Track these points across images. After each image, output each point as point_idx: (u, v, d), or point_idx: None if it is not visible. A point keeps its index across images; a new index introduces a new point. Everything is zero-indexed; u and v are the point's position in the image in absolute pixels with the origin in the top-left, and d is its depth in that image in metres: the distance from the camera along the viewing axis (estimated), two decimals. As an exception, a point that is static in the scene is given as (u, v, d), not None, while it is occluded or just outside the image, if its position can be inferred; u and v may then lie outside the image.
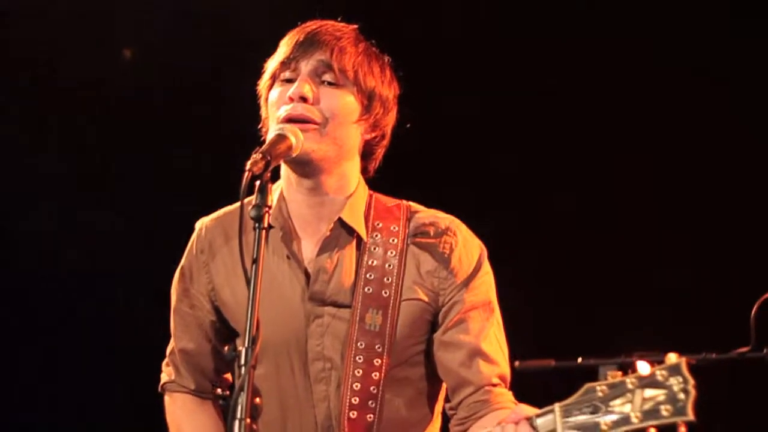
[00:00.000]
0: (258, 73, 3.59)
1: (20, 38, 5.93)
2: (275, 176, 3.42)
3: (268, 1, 5.55)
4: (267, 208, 3.04)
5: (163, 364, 3.80)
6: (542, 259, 5.69)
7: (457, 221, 3.59)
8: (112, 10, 5.88)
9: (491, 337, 3.49)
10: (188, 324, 3.68)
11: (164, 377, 3.78)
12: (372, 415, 3.40)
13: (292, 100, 3.41)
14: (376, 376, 3.41)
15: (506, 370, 3.51)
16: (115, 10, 5.88)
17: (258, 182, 3.05)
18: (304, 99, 3.40)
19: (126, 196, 6.03)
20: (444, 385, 3.60)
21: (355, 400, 3.40)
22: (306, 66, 3.44)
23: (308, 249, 3.52)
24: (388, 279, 3.47)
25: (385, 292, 3.45)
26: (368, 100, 3.49)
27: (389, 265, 3.48)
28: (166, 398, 3.78)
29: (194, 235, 3.69)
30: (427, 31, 5.70)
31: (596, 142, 5.67)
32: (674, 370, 2.70)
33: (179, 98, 5.88)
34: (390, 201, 3.62)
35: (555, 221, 5.71)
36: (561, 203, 5.70)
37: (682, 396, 2.68)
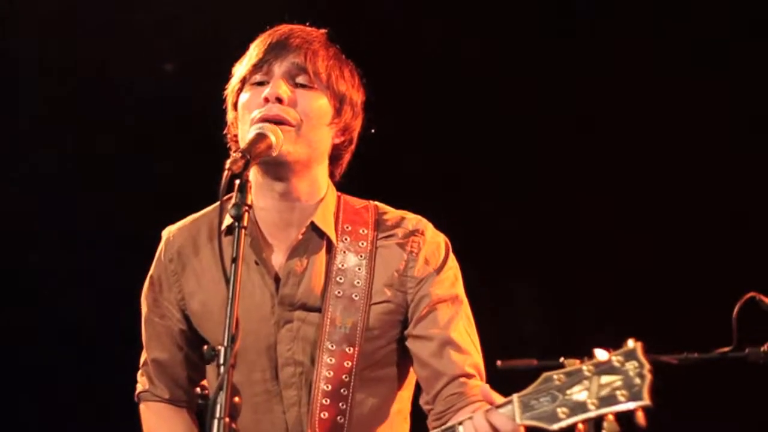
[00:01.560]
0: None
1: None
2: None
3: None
4: (247, 207, 3.02)
5: (138, 374, 3.80)
6: (527, 259, 5.68)
7: (424, 221, 3.60)
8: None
9: (460, 328, 3.49)
10: (159, 334, 3.68)
11: (139, 387, 3.79)
12: (342, 417, 3.41)
13: (267, 101, 3.39)
14: (346, 378, 3.42)
15: (479, 360, 3.50)
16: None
17: (237, 181, 3.04)
18: (279, 100, 3.39)
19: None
20: (411, 387, 3.63)
21: (326, 401, 3.41)
22: (279, 68, 3.44)
23: (278, 255, 3.52)
24: (357, 282, 3.48)
25: (355, 295, 3.46)
26: (339, 103, 3.49)
27: (358, 268, 3.49)
28: (142, 407, 3.78)
29: (162, 244, 3.69)
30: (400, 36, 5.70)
31: (577, 145, 5.67)
32: (630, 355, 2.69)
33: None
34: (358, 203, 3.63)
35: (540, 222, 5.70)
36: (550, 205, 5.69)
37: (638, 381, 2.66)
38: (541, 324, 5.47)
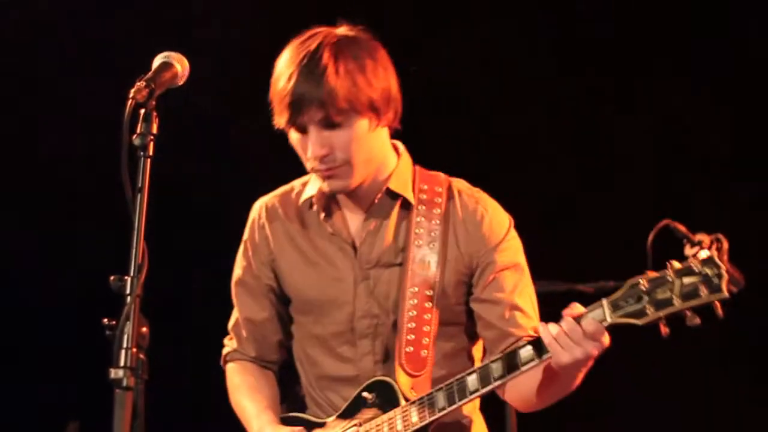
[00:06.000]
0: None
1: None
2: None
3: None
4: (151, 137, 3.10)
5: (225, 339, 4.10)
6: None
7: (486, 195, 3.89)
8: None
9: (525, 294, 3.78)
10: (253, 293, 3.99)
11: (226, 350, 4.08)
12: (426, 351, 3.72)
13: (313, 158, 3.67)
14: (428, 316, 3.74)
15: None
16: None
17: (143, 110, 3.11)
18: (324, 156, 3.66)
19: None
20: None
21: (411, 337, 3.72)
22: (311, 123, 3.63)
23: (354, 221, 3.85)
24: (432, 242, 3.78)
25: (432, 246, 3.76)
26: (373, 110, 3.68)
27: (435, 222, 3.79)
28: (228, 367, 4.07)
29: (254, 213, 4.01)
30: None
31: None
32: (708, 262, 3.16)
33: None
34: (431, 173, 3.93)
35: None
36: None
37: (716, 280, 3.14)
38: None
